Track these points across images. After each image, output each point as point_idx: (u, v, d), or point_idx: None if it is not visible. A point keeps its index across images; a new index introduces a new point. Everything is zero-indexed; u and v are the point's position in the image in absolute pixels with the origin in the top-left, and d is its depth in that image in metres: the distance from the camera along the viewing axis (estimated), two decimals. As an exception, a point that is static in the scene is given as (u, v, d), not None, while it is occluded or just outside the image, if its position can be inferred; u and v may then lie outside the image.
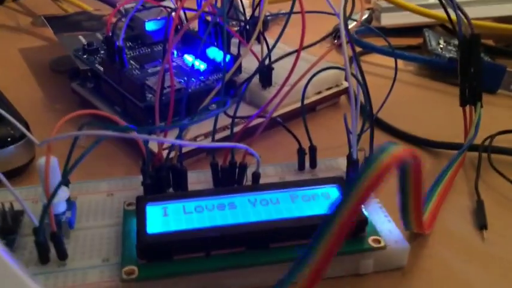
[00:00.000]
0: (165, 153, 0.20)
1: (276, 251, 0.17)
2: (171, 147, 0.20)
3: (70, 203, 0.19)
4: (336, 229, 0.12)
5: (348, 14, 0.21)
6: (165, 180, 0.20)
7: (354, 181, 0.12)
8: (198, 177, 0.21)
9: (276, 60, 0.22)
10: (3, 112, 0.18)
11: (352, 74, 0.20)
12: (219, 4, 0.28)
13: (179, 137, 0.18)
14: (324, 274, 0.13)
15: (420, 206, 0.17)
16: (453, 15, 0.24)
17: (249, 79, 0.21)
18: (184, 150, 0.20)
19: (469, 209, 0.22)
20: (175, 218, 0.17)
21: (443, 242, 0.20)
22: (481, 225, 0.21)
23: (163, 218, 0.17)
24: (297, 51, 0.20)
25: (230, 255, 0.17)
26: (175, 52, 0.28)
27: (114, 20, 0.25)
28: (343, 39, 0.19)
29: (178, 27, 0.31)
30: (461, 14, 0.25)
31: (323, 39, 0.23)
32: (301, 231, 0.17)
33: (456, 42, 0.37)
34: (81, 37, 0.30)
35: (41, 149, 0.19)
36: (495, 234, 0.21)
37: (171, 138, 0.19)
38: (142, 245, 0.16)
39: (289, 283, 0.13)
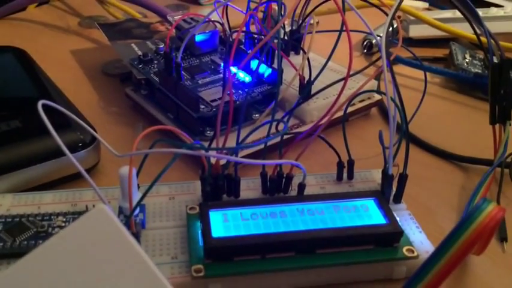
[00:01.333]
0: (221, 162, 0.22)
1: (321, 256, 0.20)
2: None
3: (141, 206, 0.22)
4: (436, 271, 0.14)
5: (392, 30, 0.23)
6: (221, 188, 0.22)
7: (449, 240, 0.14)
8: (248, 184, 0.24)
9: (318, 75, 0.24)
10: (79, 121, 0.20)
11: (391, 98, 0.22)
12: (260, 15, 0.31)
13: (236, 151, 0.21)
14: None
15: (489, 241, 0.20)
16: (480, 34, 0.26)
17: (298, 101, 0.23)
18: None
19: (490, 221, 0.24)
20: (234, 223, 0.20)
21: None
22: (502, 237, 0.23)
23: (225, 224, 0.20)
24: (345, 79, 0.22)
25: (282, 258, 0.20)
26: (221, 64, 0.30)
27: (168, 31, 0.27)
28: (385, 67, 0.21)
29: (222, 36, 0.33)
30: (490, 38, 0.27)
31: (367, 53, 0.25)
32: (344, 240, 0.20)
33: (481, 56, 0.39)
34: (133, 45, 0.33)
35: (104, 154, 0.21)
36: (514, 246, 0.23)
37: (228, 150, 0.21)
38: (209, 247, 0.19)
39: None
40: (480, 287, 0.21)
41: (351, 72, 0.23)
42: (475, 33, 0.27)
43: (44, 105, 0.19)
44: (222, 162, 0.22)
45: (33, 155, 0.24)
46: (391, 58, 0.23)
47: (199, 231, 0.20)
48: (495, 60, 0.27)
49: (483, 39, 0.27)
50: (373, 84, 0.33)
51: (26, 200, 0.22)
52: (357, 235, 0.20)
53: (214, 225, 0.20)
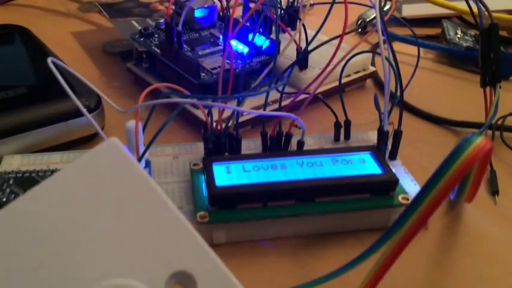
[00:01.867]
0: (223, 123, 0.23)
1: (320, 204, 0.21)
2: (229, 118, 0.23)
3: (147, 162, 0.22)
4: (423, 208, 0.15)
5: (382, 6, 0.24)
6: (223, 146, 0.23)
7: (441, 170, 0.15)
8: (249, 145, 0.25)
9: (316, 48, 0.25)
10: (86, 81, 0.21)
11: (386, 58, 0.23)
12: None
13: (239, 98, 0.22)
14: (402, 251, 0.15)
15: (479, 185, 0.21)
16: (474, 7, 0.28)
17: (292, 64, 0.24)
18: (240, 120, 0.24)
19: (484, 178, 0.25)
20: (237, 174, 0.21)
21: (462, 203, 0.23)
22: (494, 191, 0.24)
23: (227, 175, 0.21)
24: (340, 38, 0.23)
25: (283, 206, 0.20)
26: (220, 37, 0.31)
27: (171, 8, 0.28)
28: (379, 30, 0.22)
29: (220, 14, 0.34)
30: (481, 6, 0.28)
31: (356, 29, 0.26)
32: (342, 188, 0.21)
33: (472, 32, 0.40)
34: (134, 22, 0.34)
35: (110, 119, 0.22)
36: (505, 198, 0.24)
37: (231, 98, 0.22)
38: (213, 195, 0.20)
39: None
40: (473, 235, 0.22)
41: (346, 44, 0.24)
42: (467, 3, 0.28)
43: (53, 63, 0.20)
44: (224, 120, 0.23)
45: (39, 118, 0.24)
46: (386, 19, 0.24)
47: (203, 184, 0.21)
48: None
49: (474, 9, 0.28)
50: (367, 56, 0.34)
51: (34, 160, 0.23)
52: (354, 184, 0.21)
53: (217, 176, 0.21)
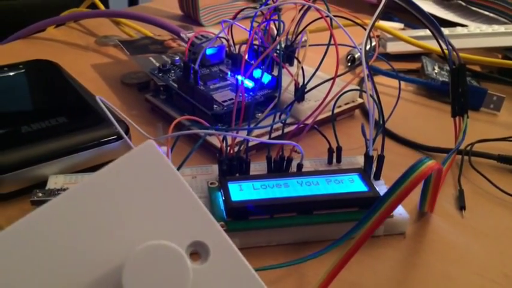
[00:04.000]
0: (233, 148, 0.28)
1: (316, 216, 0.25)
2: (240, 144, 0.27)
3: (172, 180, 0.27)
4: (381, 212, 0.20)
5: (370, 46, 0.29)
6: (235, 168, 0.28)
7: (399, 183, 0.20)
8: (255, 167, 0.29)
9: (314, 87, 0.30)
10: (121, 115, 0.25)
11: (370, 95, 0.28)
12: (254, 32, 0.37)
13: (249, 130, 0.26)
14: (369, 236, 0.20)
15: (436, 197, 0.25)
16: (445, 48, 0.33)
17: (293, 101, 0.29)
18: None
19: (453, 195, 0.30)
20: (248, 192, 0.25)
21: (435, 216, 0.28)
22: (461, 206, 0.29)
23: (240, 192, 0.25)
24: (333, 79, 0.28)
25: (286, 217, 0.25)
26: (229, 73, 0.36)
27: (186, 45, 0.33)
28: (365, 71, 0.27)
29: (227, 51, 0.39)
30: (451, 48, 0.33)
31: (349, 70, 0.31)
32: (334, 203, 0.25)
33: (448, 68, 0.45)
34: (151, 58, 0.38)
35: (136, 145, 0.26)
36: (471, 213, 0.28)
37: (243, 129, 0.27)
38: (229, 208, 0.24)
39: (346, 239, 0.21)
40: (443, 246, 0.26)
41: (338, 78, 0.29)
42: (439, 45, 0.34)
43: (100, 100, 0.24)
44: (235, 148, 0.27)
45: (78, 144, 0.29)
46: (371, 61, 0.29)
47: (220, 199, 0.25)
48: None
49: (445, 50, 0.33)
50: (355, 92, 0.39)
51: (75, 179, 0.27)
52: (345, 199, 0.25)
53: (232, 192, 0.25)
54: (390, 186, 0.20)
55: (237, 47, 0.37)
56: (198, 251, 0.17)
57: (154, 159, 0.18)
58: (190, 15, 0.56)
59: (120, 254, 0.16)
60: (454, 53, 0.33)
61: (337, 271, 0.21)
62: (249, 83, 0.35)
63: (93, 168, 0.29)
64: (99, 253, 0.16)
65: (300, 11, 0.33)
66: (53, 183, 0.27)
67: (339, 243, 0.21)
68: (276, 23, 0.34)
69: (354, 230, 0.21)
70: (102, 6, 0.53)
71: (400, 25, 0.56)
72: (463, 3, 0.64)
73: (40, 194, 0.25)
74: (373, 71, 0.44)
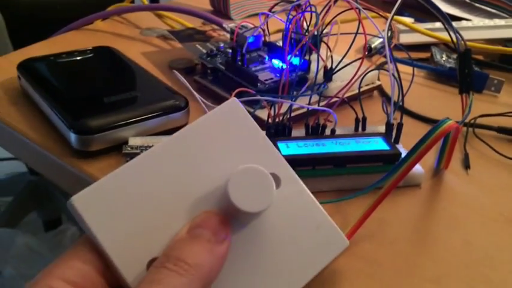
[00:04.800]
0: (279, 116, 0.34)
1: (349, 168, 0.31)
2: (285, 112, 0.33)
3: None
4: (410, 162, 0.26)
5: (388, 36, 0.35)
6: (280, 132, 0.34)
7: (427, 136, 0.26)
8: (295, 133, 0.35)
9: (341, 68, 0.36)
10: (188, 84, 0.31)
11: (392, 74, 0.34)
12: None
13: (292, 98, 0.32)
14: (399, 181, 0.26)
15: (451, 155, 0.31)
16: (454, 37, 0.38)
17: (326, 78, 0.35)
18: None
19: (460, 158, 0.36)
20: (293, 149, 0.31)
21: (445, 173, 0.34)
22: (466, 165, 0.35)
23: (287, 148, 0.31)
24: (361, 59, 0.34)
25: (325, 169, 0.31)
26: (266, 57, 0.42)
27: (234, 33, 0.39)
28: (388, 53, 0.33)
29: (263, 40, 0.45)
30: (459, 36, 0.39)
31: (367, 56, 0.37)
32: (363, 158, 0.31)
33: (454, 56, 0.51)
34: (198, 45, 0.44)
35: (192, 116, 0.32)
36: (474, 171, 0.34)
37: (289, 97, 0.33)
38: (281, 160, 0.30)
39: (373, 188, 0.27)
40: (451, 195, 0.32)
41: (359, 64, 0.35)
42: (449, 35, 0.39)
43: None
44: (282, 111, 0.33)
45: (150, 112, 0.34)
46: (392, 46, 0.35)
47: (271, 155, 0.31)
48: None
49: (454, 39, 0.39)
50: (375, 74, 0.45)
51: (150, 140, 0.33)
52: (371, 155, 0.31)
53: (281, 149, 0.31)
54: (417, 142, 0.26)
55: (271, 35, 0.43)
56: None
57: (237, 111, 0.24)
58: (220, 9, 0.62)
59: (222, 177, 0.22)
60: (462, 41, 0.39)
61: (371, 211, 0.27)
62: (283, 65, 0.41)
63: (162, 133, 0.35)
64: (207, 176, 0.22)
65: (329, 3, 0.39)
66: (133, 142, 0.33)
67: (375, 185, 0.27)
68: (306, 15, 0.40)
69: (389, 174, 0.27)
70: (145, 1, 0.59)
71: (411, 19, 0.62)
72: (468, 0, 0.70)
73: (129, 148, 0.31)
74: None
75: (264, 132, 0.24)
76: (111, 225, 0.21)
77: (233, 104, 0.24)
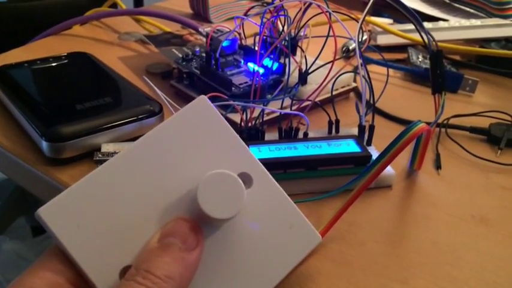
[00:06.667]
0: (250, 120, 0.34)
1: (321, 171, 0.31)
2: (257, 117, 0.34)
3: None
4: (382, 164, 0.26)
5: (361, 38, 0.35)
6: (252, 136, 0.34)
7: (399, 138, 0.26)
8: (268, 137, 0.35)
9: (315, 70, 0.36)
10: (159, 91, 0.31)
11: (363, 76, 0.34)
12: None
13: (265, 102, 0.33)
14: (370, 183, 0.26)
15: (424, 156, 0.32)
16: (425, 38, 0.39)
17: (299, 81, 0.35)
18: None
19: (432, 159, 0.36)
20: (265, 152, 0.32)
21: (418, 173, 0.34)
22: (437, 166, 0.35)
23: (259, 153, 0.31)
24: (332, 62, 0.34)
25: (296, 172, 0.31)
26: (242, 61, 0.42)
27: (207, 38, 0.39)
28: (358, 56, 0.33)
29: (239, 43, 0.45)
30: (430, 37, 0.39)
31: (344, 57, 0.37)
32: (334, 161, 0.32)
33: (431, 57, 0.52)
34: (174, 50, 0.44)
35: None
36: (445, 171, 0.35)
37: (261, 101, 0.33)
38: (252, 164, 0.30)
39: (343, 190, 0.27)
40: (422, 196, 0.33)
41: (335, 65, 0.35)
42: (421, 36, 0.40)
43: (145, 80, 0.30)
44: (255, 115, 0.34)
45: (123, 119, 0.35)
46: (363, 49, 0.35)
47: (243, 159, 0.32)
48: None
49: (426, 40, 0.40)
50: (350, 76, 0.45)
51: (124, 147, 0.33)
52: (343, 158, 0.32)
53: (253, 153, 0.31)
54: (389, 144, 0.26)
55: (248, 39, 0.43)
56: (244, 180, 0.23)
57: (206, 109, 0.24)
58: (200, 13, 0.62)
59: (192, 181, 0.22)
60: (433, 42, 0.39)
61: (342, 212, 0.27)
62: (260, 70, 0.41)
63: (136, 139, 0.35)
64: (177, 180, 0.22)
65: (303, 7, 0.39)
66: (105, 149, 0.33)
67: (346, 187, 0.28)
68: (281, 18, 0.40)
69: (360, 176, 0.27)
70: (123, 6, 0.59)
71: (390, 20, 0.63)
72: (447, 0, 0.71)
73: (100, 155, 0.31)
74: (366, 60, 0.51)
75: (233, 130, 0.24)
76: (80, 235, 0.21)
77: (201, 102, 0.24)
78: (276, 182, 0.24)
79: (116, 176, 0.22)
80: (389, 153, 0.26)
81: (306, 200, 0.29)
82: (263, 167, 0.24)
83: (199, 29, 0.46)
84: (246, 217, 0.23)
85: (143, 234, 0.21)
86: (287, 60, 0.43)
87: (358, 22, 0.37)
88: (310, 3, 0.39)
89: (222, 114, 0.24)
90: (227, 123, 0.24)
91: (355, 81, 0.45)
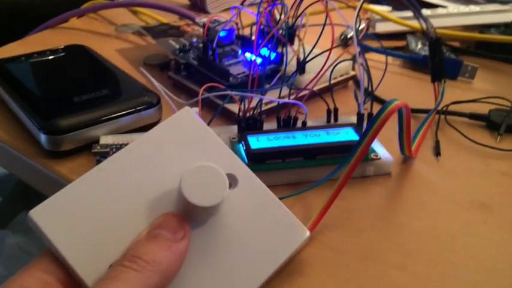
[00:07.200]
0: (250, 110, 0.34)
1: (319, 160, 0.31)
2: (255, 106, 0.34)
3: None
4: (363, 147, 0.26)
5: (358, 26, 0.35)
6: (251, 126, 0.34)
7: (375, 117, 0.26)
8: (266, 126, 0.35)
9: (312, 59, 0.36)
10: (156, 83, 0.31)
11: (360, 64, 0.34)
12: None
13: (263, 91, 0.33)
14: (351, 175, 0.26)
15: (409, 138, 0.31)
16: (424, 25, 0.39)
17: (296, 71, 0.35)
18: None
19: (431, 145, 0.36)
20: (264, 142, 0.31)
21: (415, 161, 0.34)
22: (437, 153, 0.35)
23: (257, 142, 0.31)
24: (329, 51, 0.34)
25: (295, 161, 0.31)
26: (239, 51, 0.42)
27: (196, 29, 0.39)
28: (355, 44, 0.33)
29: (237, 33, 0.45)
30: (429, 24, 0.39)
31: (342, 46, 0.37)
32: (333, 149, 0.31)
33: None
34: (171, 41, 0.44)
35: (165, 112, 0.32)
36: (444, 158, 0.35)
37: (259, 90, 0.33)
38: (250, 153, 0.30)
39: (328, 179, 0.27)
40: (421, 182, 0.33)
41: (333, 53, 0.35)
42: (419, 22, 0.40)
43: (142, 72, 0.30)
44: (250, 111, 0.34)
45: (121, 110, 0.34)
46: (360, 37, 0.35)
47: (241, 149, 0.32)
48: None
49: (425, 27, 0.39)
50: (349, 64, 0.45)
51: (122, 139, 0.33)
52: (341, 146, 0.32)
53: (252, 143, 0.31)
54: (366, 127, 0.26)
55: (245, 29, 0.43)
56: (230, 182, 0.23)
57: (191, 120, 0.25)
58: (197, 3, 0.62)
59: (178, 181, 0.22)
60: (431, 29, 0.39)
61: (332, 201, 0.27)
62: (257, 59, 0.41)
63: (134, 130, 0.35)
64: (164, 181, 0.23)
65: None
66: (105, 141, 0.33)
67: (330, 176, 0.28)
68: (278, 7, 0.40)
69: (343, 163, 0.27)
70: (120, -3, 0.59)
71: (388, 8, 0.62)
72: (446, -13, 0.70)
73: (99, 147, 0.31)
74: (364, 48, 0.50)
75: (217, 136, 0.25)
76: (71, 236, 0.22)
77: (186, 113, 0.25)
78: (261, 181, 0.25)
79: (105, 180, 0.23)
80: (367, 136, 0.26)
81: (292, 194, 0.29)
82: (248, 168, 0.25)
83: (196, 20, 0.46)
84: (233, 215, 0.24)
85: (133, 232, 0.22)
86: (285, 49, 0.43)
87: (355, 10, 0.36)
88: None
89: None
90: (211, 130, 0.25)
91: (353, 69, 0.45)
